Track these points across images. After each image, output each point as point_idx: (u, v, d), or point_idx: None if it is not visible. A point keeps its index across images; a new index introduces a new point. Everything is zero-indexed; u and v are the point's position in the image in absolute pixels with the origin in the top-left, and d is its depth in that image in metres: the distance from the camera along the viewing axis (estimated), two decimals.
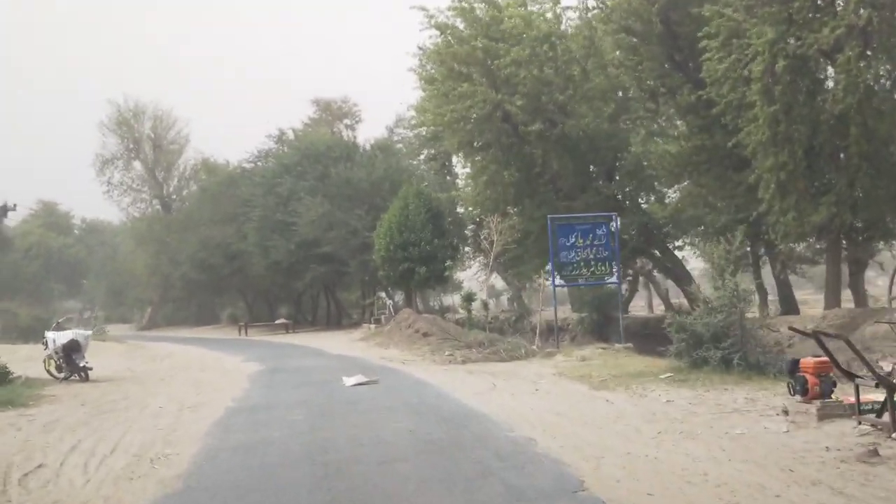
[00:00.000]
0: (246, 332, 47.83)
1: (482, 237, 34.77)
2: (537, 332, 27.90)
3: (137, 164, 70.42)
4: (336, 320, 51.71)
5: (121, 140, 69.36)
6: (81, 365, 19.02)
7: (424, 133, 50.69)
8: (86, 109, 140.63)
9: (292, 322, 49.43)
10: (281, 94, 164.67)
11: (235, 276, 52.38)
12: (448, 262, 35.80)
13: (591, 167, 36.29)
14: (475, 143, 35.19)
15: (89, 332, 20.14)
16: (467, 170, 41.05)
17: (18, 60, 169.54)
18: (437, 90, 33.92)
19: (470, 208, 39.16)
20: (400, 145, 50.16)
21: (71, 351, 19.00)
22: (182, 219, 59.95)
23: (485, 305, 32.30)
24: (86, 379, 19.02)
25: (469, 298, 33.04)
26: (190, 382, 19.09)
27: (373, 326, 39.48)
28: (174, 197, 70.39)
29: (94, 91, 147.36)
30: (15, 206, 44.77)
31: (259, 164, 53.20)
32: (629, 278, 41.07)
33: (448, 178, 46.01)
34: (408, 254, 36.04)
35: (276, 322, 50.02)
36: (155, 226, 65.97)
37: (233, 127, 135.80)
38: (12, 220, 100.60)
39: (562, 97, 31.12)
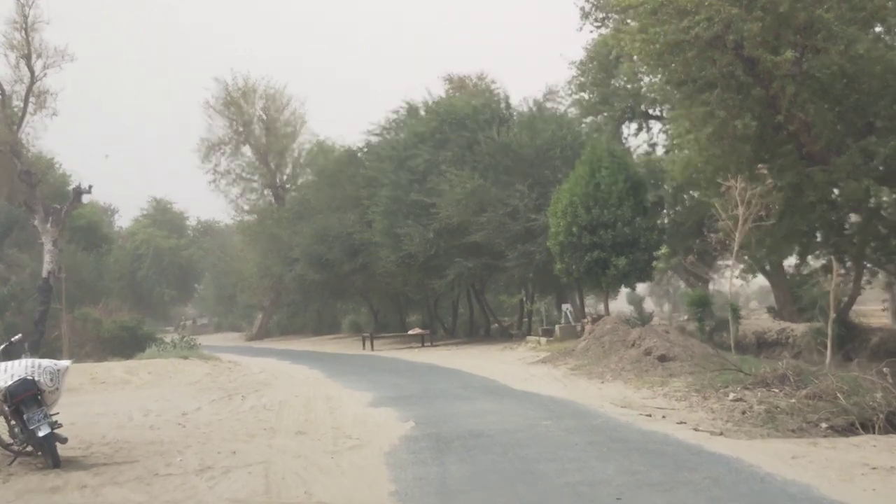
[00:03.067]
0: (372, 346, 37.95)
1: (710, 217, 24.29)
2: (829, 348, 17.22)
3: (247, 150, 62.05)
4: (483, 331, 41.41)
5: (229, 123, 61.22)
6: (41, 433, 9.00)
7: (589, 98, 40.82)
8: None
9: (429, 332, 39.29)
10: (408, 72, 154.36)
11: (358, 274, 42.49)
12: (663, 249, 24.95)
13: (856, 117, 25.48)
14: (695, 82, 24.84)
15: (63, 365, 9.71)
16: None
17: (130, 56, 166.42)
18: (644, 4, 23.63)
19: (679, 179, 28.38)
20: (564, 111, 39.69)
21: (22, 402, 9.09)
22: (295, 208, 50.59)
23: (734, 313, 21.43)
24: (53, 460, 9.11)
25: (703, 302, 22.32)
26: (261, 475, 8.84)
27: (543, 340, 29.06)
28: (288, 186, 61.41)
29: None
30: (90, 188, 36.26)
31: (386, 136, 43.35)
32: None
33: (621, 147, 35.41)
34: (598, 239, 25.61)
35: (409, 333, 39.95)
36: (266, 220, 57.14)
37: (351, 112, 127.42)
38: (123, 218, 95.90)
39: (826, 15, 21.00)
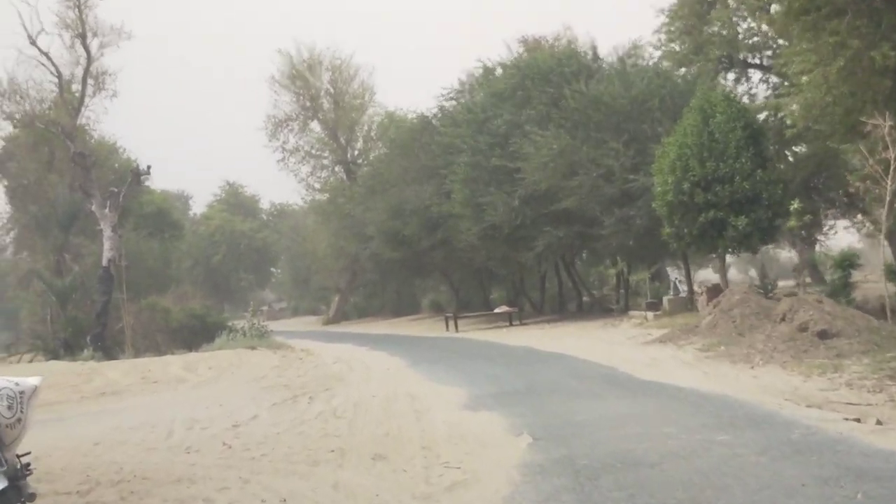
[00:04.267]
0: (456, 327, 34.98)
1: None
2: None
3: (315, 125, 59.29)
4: (574, 306, 38.13)
5: (295, 97, 58.50)
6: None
7: (681, 49, 37.10)
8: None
9: (517, 310, 36.15)
10: (480, 35, 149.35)
11: (438, 249, 39.44)
12: (795, 203, 21.32)
13: None
14: (819, 10, 21.19)
15: (27, 385, 6.58)
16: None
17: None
18: None
19: (799, 125, 24.65)
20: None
21: None
22: (368, 183, 47.70)
23: (892, 274, 17.88)
24: None
25: (847, 263, 18.80)
26: None
27: (649, 315, 25.77)
28: (359, 161, 58.53)
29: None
30: (149, 168, 34.08)
31: (461, 100, 40.16)
32: None
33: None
34: (714, 196, 22.16)
35: (495, 311, 36.86)
36: (338, 197, 54.48)
37: (421, 80, 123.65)
38: (198, 205, 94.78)
39: None
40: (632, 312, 28.26)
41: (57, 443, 10.89)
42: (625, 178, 27.57)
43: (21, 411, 6.17)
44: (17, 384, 6.23)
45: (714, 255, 26.26)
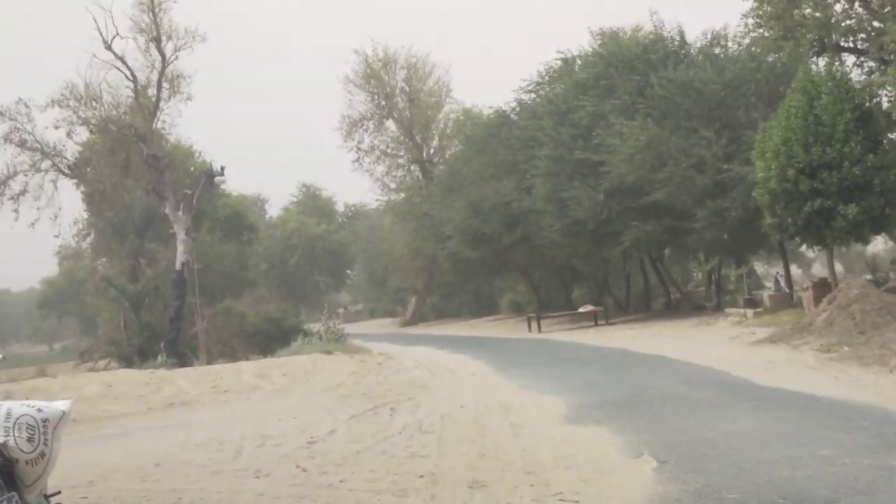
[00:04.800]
0: (539, 327, 33.55)
1: None
2: None
3: (391, 124, 58.33)
4: (663, 304, 36.40)
5: (370, 97, 57.62)
6: None
7: (770, 35, 35.01)
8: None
9: (602, 309, 34.55)
10: (556, 27, 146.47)
11: (518, 247, 38.09)
12: None
13: None
14: None
15: (53, 412, 5.32)
16: None
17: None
18: None
19: None
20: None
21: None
22: (445, 181, 46.55)
23: None
24: None
25: None
26: None
27: (748, 313, 24.06)
28: (435, 160, 57.44)
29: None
30: (223, 169, 33.32)
31: (542, 92, 38.70)
32: None
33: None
34: (820, 184, 20.39)
35: (580, 310, 35.28)
36: (414, 197, 53.52)
37: (497, 76, 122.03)
38: (273, 208, 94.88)
39: None
40: (728, 310, 26.52)
41: (117, 462, 9.86)
42: (718, 167, 25.88)
43: (45, 443, 5.00)
44: (39, 410, 5.05)
45: (819, 248, 24.42)
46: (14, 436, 4.82)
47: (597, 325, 32.32)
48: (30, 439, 4.89)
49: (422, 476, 7.65)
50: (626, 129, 28.04)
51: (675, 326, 25.73)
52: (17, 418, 4.89)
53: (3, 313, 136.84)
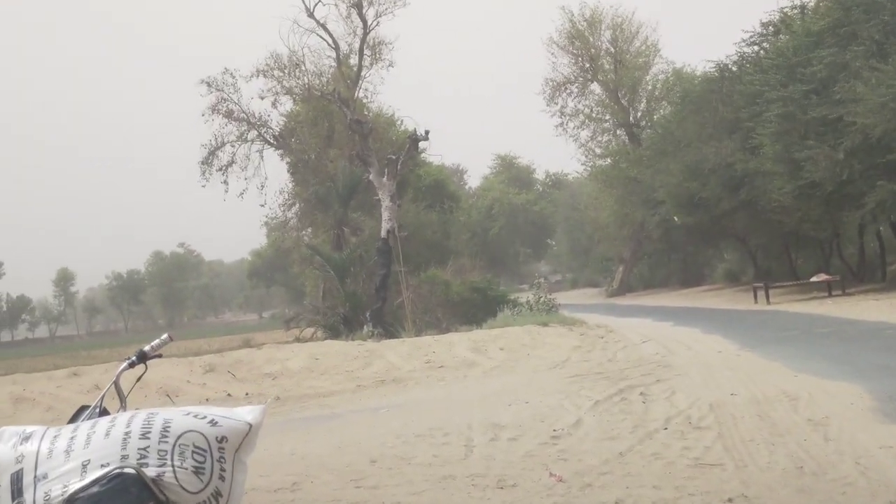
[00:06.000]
0: (767, 298, 30.57)
1: None
2: None
3: (596, 87, 55.93)
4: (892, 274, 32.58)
5: (574, 59, 55.38)
6: None
7: None
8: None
9: (838, 278, 31.10)
10: None
11: (739, 213, 35.12)
12: None
13: None
14: None
15: (237, 424, 3.22)
16: None
17: None
18: None
19: None
20: None
21: None
22: (656, 144, 43.84)
23: None
24: None
25: None
26: None
27: None
28: (643, 123, 54.57)
29: None
30: (427, 133, 31.83)
31: (765, 45, 35.23)
32: None
33: None
34: None
35: (812, 280, 31.89)
36: (621, 162, 51.08)
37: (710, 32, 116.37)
38: (472, 178, 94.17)
39: None
40: None
41: (325, 456, 8.33)
42: None
43: (221, 477, 3.18)
44: (213, 424, 3.23)
45: None
46: (174, 466, 3.09)
47: (831, 295, 29.01)
48: (198, 471, 3.12)
49: (730, 500, 5.61)
50: (875, 75, 24.65)
51: None
52: (179, 437, 3.13)
53: (217, 283, 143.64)
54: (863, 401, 8.79)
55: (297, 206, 45.56)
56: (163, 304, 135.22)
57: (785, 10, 34.30)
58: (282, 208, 45.52)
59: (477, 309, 29.96)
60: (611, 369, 13.43)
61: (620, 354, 15.96)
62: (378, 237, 30.98)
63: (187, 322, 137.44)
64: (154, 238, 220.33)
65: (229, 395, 13.98)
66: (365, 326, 27.56)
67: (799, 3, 34.00)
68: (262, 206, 43.97)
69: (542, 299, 27.80)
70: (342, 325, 29.28)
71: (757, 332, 18.61)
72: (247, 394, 14.03)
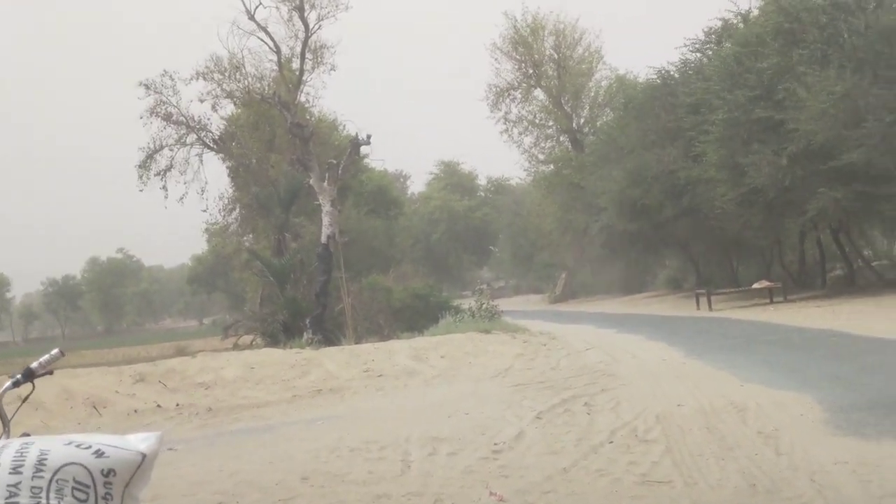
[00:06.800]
0: (709, 304, 30.67)
1: None
2: None
3: (539, 93, 55.97)
4: (845, 280, 32.79)
5: (518, 65, 55.38)
6: None
7: None
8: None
9: (780, 285, 31.30)
10: None
11: (682, 219, 35.19)
12: None
13: None
14: None
15: (133, 451, 2.81)
16: None
17: None
18: None
19: None
20: None
21: None
22: (599, 150, 43.92)
23: None
24: None
25: None
26: None
27: None
28: (586, 130, 54.72)
29: None
30: (369, 137, 31.27)
31: (708, 52, 35.41)
32: None
33: None
34: None
35: (754, 286, 32.02)
36: (564, 168, 51.17)
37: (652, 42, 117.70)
38: (415, 184, 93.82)
39: None
40: None
41: (254, 473, 7.86)
42: None
43: None
44: (99, 455, 2.77)
45: None
46: None
47: (772, 302, 29.23)
48: None
49: None
50: (815, 81, 24.80)
51: (878, 305, 22.45)
52: (57, 471, 2.65)
53: (157, 289, 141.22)
54: (813, 412, 8.55)
55: (238, 210, 44.84)
56: (101, 311, 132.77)
57: (727, 19, 34.61)
58: (222, 213, 44.71)
59: (419, 316, 29.62)
60: (554, 378, 13.13)
61: (564, 362, 15.66)
62: (319, 243, 30.41)
63: (126, 328, 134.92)
64: (94, 243, 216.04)
65: (159, 405, 13.40)
66: (305, 333, 26.99)
67: (741, 11, 34.30)
68: (204, 210, 43.11)
69: (484, 306, 27.45)
70: (282, 332, 28.69)
71: (701, 340, 18.48)
72: (178, 404, 13.45)
